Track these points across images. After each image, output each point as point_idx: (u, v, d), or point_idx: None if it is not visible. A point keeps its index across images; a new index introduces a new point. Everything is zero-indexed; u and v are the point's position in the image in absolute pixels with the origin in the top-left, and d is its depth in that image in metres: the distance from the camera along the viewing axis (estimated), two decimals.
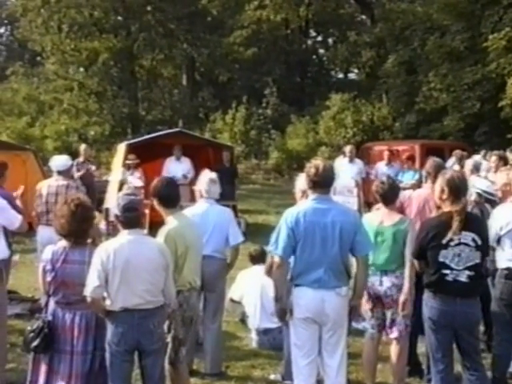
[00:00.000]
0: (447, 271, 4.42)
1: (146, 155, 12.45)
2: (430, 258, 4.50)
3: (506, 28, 19.86)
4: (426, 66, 23.13)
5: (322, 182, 4.41)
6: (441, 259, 4.43)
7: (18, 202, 6.01)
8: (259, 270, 6.35)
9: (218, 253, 5.69)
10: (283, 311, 4.47)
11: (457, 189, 4.53)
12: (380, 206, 5.31)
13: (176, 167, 12.08)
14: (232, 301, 6.88)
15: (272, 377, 5.67)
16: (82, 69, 29.48)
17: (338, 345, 4.47)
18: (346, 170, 11.64)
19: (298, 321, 4.43)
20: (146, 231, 4.61)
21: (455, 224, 4.39)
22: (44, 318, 4.36)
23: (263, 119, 25.78)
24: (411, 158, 11.61)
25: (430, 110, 22.17)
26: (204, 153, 13.42)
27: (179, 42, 28.29)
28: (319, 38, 37.52)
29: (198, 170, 10.77)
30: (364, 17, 32.00)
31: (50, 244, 4.54)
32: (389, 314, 5.08)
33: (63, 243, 4.38)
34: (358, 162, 12.62)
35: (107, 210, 9.00)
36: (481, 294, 4.67)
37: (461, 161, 10.74)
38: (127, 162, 11.86)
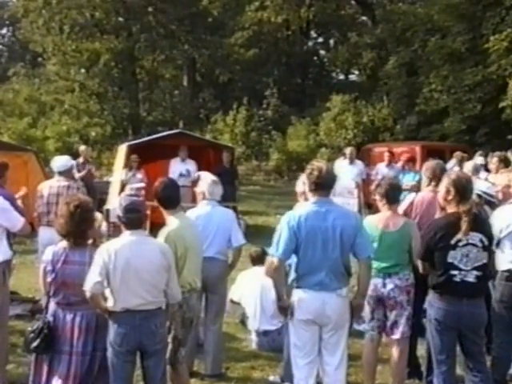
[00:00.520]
0: (455, 272, 4.40)
1: (147, 156, 12.46)
2: (437, 259, 4.47)
3: (507, 29, 19.80)
4: (426, 67, 23.07)
5: (325, 185, 4.40)
6: (449, 260, 4.40)
7: (19, 203, 6.02)
8: (259, 271, 6.32)
9: (220, 255, 5.70)
10: (284, 310, 4.47)
11: (463, 189, 4.51)
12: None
13: (181, 168, 12.07)
14: (232, 302, 6.88)
15: (271, 378, 5.67)
16: (83, 70, 29.44)
17: (339, 344, 4.47)
18: (347, 172, 11.66)
19: (298, 322, 4.43)
20: (147, 232, 4.60)
21: (464, 225, 4.36)
22: (44, 319, 4.37)
23: (264, 120, 25.73)
24: (412, 160, 11.61)
25: (431, 112, 22.11)
26: (204, 154, 13.41)
27: (180, 43, 28.26)
28: (320, 40, 37.49)
29: (198, 170, 10.82)
30: (365, 18, 31.98)
31: (51, 245, 4.55)
32: (392, 315, 5.08)
33: (63, 244, 4.39)
34: (359, 164, 12.64)
35: (108, 211, 8.99)
36: None
37: (461, 162, 10.75)
38: (131, 161, 11.96)
